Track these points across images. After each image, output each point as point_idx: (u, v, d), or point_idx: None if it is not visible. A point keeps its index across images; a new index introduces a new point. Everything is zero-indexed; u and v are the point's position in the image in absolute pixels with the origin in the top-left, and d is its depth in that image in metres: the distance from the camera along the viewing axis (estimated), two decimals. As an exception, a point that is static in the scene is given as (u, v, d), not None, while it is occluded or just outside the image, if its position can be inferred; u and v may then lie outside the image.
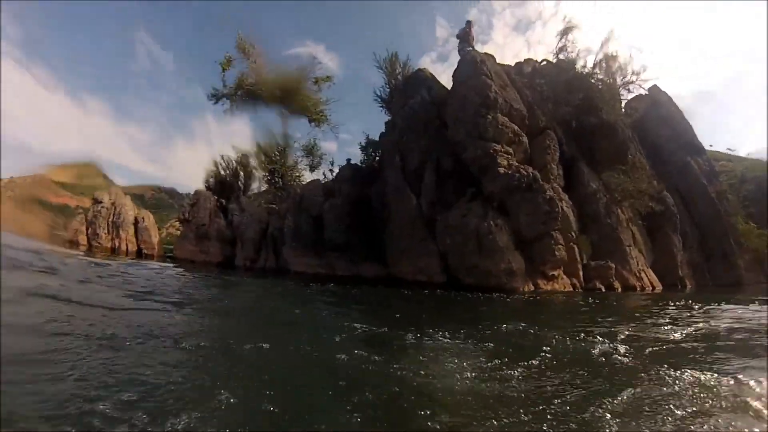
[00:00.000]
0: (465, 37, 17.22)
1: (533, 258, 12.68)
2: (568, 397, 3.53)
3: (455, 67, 16.19)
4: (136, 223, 23.53)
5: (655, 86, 27.35)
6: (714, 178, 26.20)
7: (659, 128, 25.36)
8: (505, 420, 3.06)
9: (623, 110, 22.57)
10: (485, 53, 17.17)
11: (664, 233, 19.86)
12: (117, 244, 22.12)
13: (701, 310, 9.45)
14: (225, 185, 24.70)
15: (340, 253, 16.19)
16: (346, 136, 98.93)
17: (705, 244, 22.95)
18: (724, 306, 10.14)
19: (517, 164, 13.50)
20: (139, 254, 22.19)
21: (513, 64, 23.19)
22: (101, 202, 23.32)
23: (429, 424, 2.96)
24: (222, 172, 25.02)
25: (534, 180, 12.99)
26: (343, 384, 3.79)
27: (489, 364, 4.46)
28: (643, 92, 25.99)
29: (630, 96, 25.07)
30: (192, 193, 25.22)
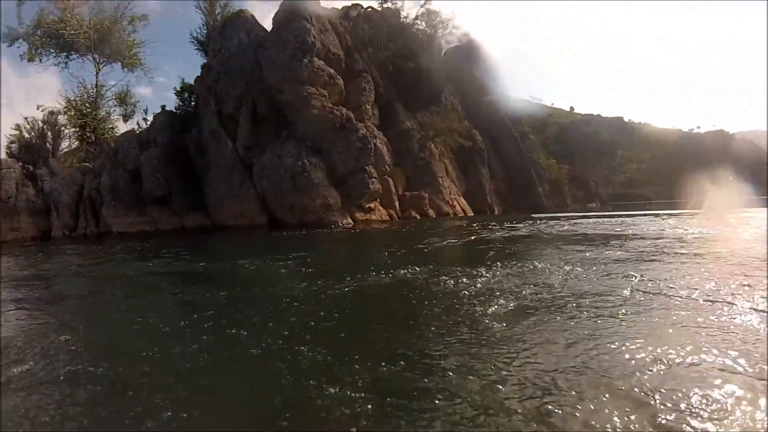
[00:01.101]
0: None
1: (349, 192, 13.45)
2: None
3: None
4: None
5: (472, 39, 29.90)
6: (518, 122, 29.70)
7: (474, 75, 27.86)
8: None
9: (442, 57, 24.31)
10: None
11: (474, 166, 22.32)
12: None
13: (483, 227, 11.30)
14: (31, 149, 21.20)
15: (161, 207, 15.29)
16: (162, 80, 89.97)
17: (510, 177, 26.19)
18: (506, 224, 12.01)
19: (331, 106, 13.92)
20: None
21: (341, 8, 23.50)
22: None
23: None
24: (26, 135, 21.45)
25: (347, 120, 13.62)
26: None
27: (306, 276, 5.01)
28: (462, 43, 28.36)
29: (449, 46, 27.35)
30: None
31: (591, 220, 12.71)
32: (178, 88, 19.32)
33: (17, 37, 21.66)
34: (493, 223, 12.40)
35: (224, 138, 14.46)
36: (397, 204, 15.47)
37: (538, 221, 13.04)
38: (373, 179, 13.68)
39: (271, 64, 14.68)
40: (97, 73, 22.34)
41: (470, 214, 19.11)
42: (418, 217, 15.67)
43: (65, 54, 22.10)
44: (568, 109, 73.60)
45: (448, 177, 19.42)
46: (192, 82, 18.67)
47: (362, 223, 13.45)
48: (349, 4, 22.13)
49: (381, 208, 14.68)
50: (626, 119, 62.25)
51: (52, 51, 22.06)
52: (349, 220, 13.23)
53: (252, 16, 16.99)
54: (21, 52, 21.70)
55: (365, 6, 22.75)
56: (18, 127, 21.56)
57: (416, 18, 22.29)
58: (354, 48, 17.35)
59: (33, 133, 21.75)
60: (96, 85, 22.30)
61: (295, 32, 14.37)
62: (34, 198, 18.51)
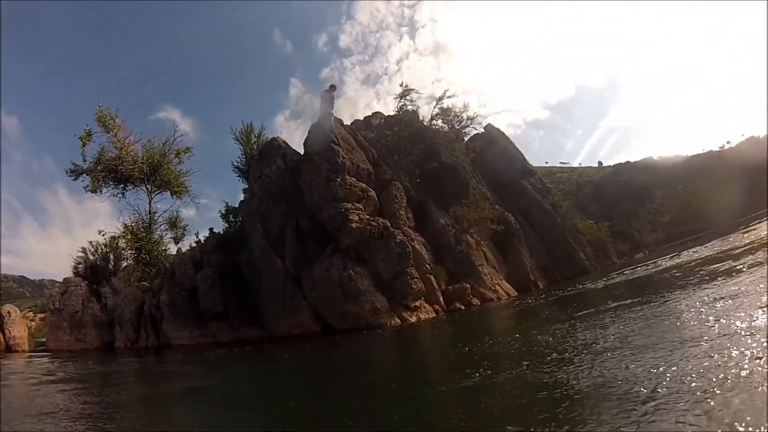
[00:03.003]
0: (329, 100, 18.97)
1: (394, 295, 14.34)
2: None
3: (307, 124, 18.05)
4: (0, 317, 21.67)
5: (489, 125, 32.10)
6: (546, 192, 30.67)
7: (496, 159, 29.49)
8: None
9: (464, 149, 26.04)
10: (334, 118, 19.18)
11: (513, 248, 23.08)
12: (-22, 343, 20.09)
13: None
14: (96, 269, 23.62)
15: (219, 321, 16.53)
16: (205, 201, 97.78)
17: (551, 249, 26.67)
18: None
19: (368, 217, 15.35)
20: (9, 350, 20.35)
21: (363, 118, 26.01)
22: (-46, 302, 21.15)
23: None
24: (91, 257, 23.99)
25: (384, 228, 14.91)
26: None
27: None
28: (480, 131, 30.36)
29: (469, 136, 29.34)
30: (45, 279, 23.66)
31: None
32: (223, 211, 21.67)
33: (81, 172, 24.69)
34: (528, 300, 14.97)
35: (273, 256, 15.89)
36: (441, 299, 16.24)
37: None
38: (415, 280, 14.61)
39: (308, 187, 16.54)
40: (150, 201, 25.13)
41: (513, 294, 19.67)
42: (463, 308, 16.36)
43: (122, 186, 24.93)
44: (596, 165, 75.12)
45: (489, 264, 20.19)
46: (232, 203, 21.08)
47: (410, 320, 14.27)
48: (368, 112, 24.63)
49: (426, 304, 15.46)
50: (656, 157, 62.34)
51: (111, 183, 24.89)
52: (397, 320, 14.00)
53: (284, 142, 19.15)
54: (84, 184, 24.58)
55: (387, 109, 25.41)
56: (84, 250, 24.10)
57: (432, 119, 24.41)
58: (381, 159, 19.22)
59: (97, 255, 24.20)
60: (149, 211, 24.97)
61: (326, 156, 16.28)
62: (99, 313, 20.41)
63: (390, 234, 14.80)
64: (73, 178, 24.46)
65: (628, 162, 64.49)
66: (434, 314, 15.38)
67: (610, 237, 35.60)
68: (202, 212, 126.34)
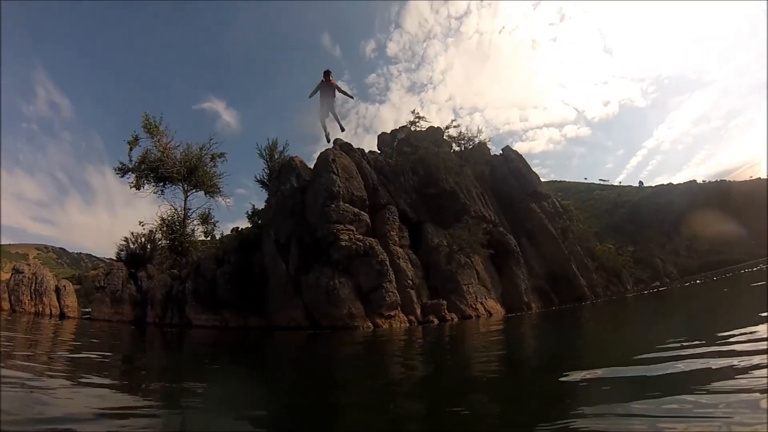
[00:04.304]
0: (328, 101, 23.40)
1: (371, 303, 18.49)
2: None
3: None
4: (57, 289, 27.64)
5: (507, 147, 35.97)
6: (558, 217, 33.69)
7: (509, 182, 33.15)
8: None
9: (472, 173, 29.85)
10: (343, 144, 23.81)
11: (509, 268, 26.51)
12: (40, 308, 26.13)
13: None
14: (135, 257, 29.18)
15: (231, 310, 21.23)
16: (241, 191, 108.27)
17: (551, 273, 29.84)
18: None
19: (357, 237, 19.64)
20: (62, 316, 26.29)
21: (390, 131, 30.71)
22: (22, 272, 27.09)
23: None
24: (132, 246, 29.59)
25: (370, 247, 19.18)
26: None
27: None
28: (499, 152, 34.28)
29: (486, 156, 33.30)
30: (83, 253, 28.85)
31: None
32: (250, 213, 26.76)
33: (128, 170, 30.06)
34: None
35: (280, 262, 20.44)
36: (418, 311, 20.03)
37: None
38: (390, 293, 18.58)
39: (310, 208, 21.21)
40: (185, 198, 30.29)
41: (497, 313, 22.81)
42: (436, 321, 19.71)
43: (162, 184, 30.14)
44: (636, 185, 76.44)
45: (480, 282, 23.79)
46: (256, 204, 26.27)
47: (382, 326, 18.10)
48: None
49: (402, 315, 19.35)
50: (699, 180, 62.70)
51: (152, 182, 30.15)
52: (370, 325, 17.98)
53: (301, 162, 23.79)
54: (129, 181, 29.96)
55: (430, 117, 30.15)
56: (126, 239, 29.76)
57: (444, 142, 28.53)
58: (382, 183, 23.58)
59: (136, 245, 29.83)
60: (184, 207, 30.16)
61: (325, 184, 20.87)
62: (135, 293, 25.90)
63: (373, 253, 19.06)
64: (120, 175, 29.83)
65: (670, 184, 65.31)
66: (408, 324, 19.09)
67: (631, 263, 37.74)
68: (238, 201, 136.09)
